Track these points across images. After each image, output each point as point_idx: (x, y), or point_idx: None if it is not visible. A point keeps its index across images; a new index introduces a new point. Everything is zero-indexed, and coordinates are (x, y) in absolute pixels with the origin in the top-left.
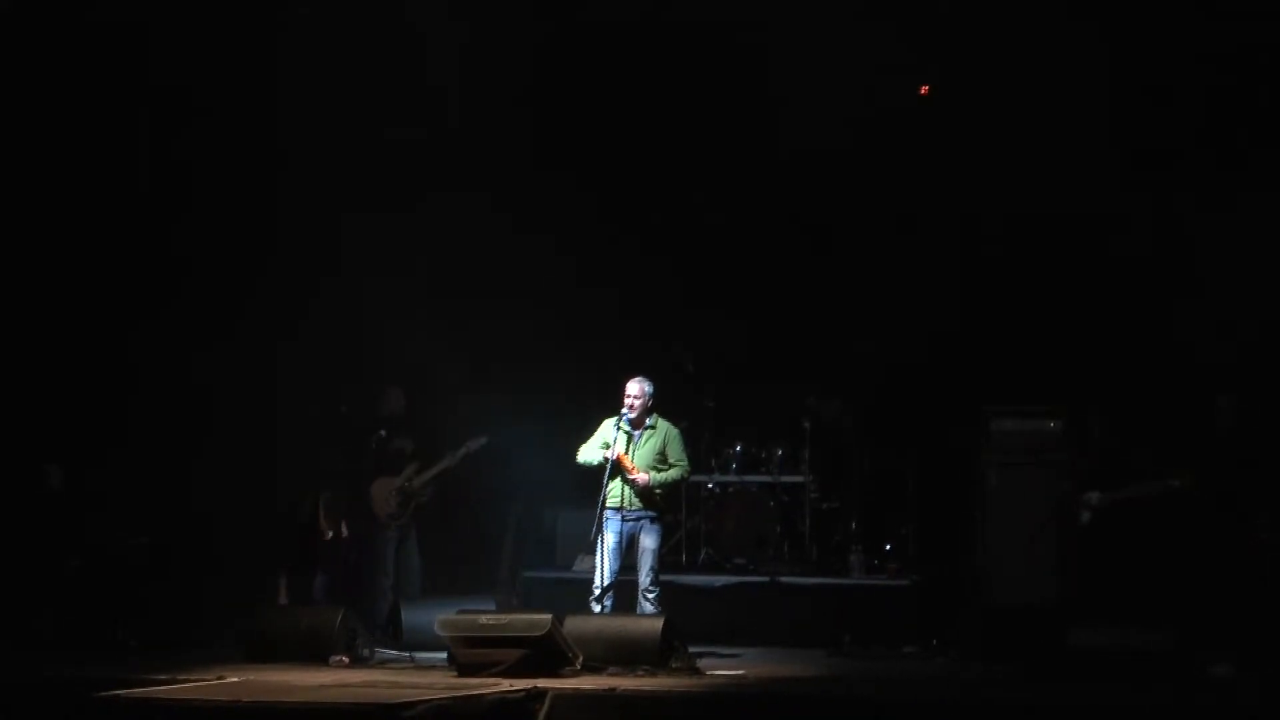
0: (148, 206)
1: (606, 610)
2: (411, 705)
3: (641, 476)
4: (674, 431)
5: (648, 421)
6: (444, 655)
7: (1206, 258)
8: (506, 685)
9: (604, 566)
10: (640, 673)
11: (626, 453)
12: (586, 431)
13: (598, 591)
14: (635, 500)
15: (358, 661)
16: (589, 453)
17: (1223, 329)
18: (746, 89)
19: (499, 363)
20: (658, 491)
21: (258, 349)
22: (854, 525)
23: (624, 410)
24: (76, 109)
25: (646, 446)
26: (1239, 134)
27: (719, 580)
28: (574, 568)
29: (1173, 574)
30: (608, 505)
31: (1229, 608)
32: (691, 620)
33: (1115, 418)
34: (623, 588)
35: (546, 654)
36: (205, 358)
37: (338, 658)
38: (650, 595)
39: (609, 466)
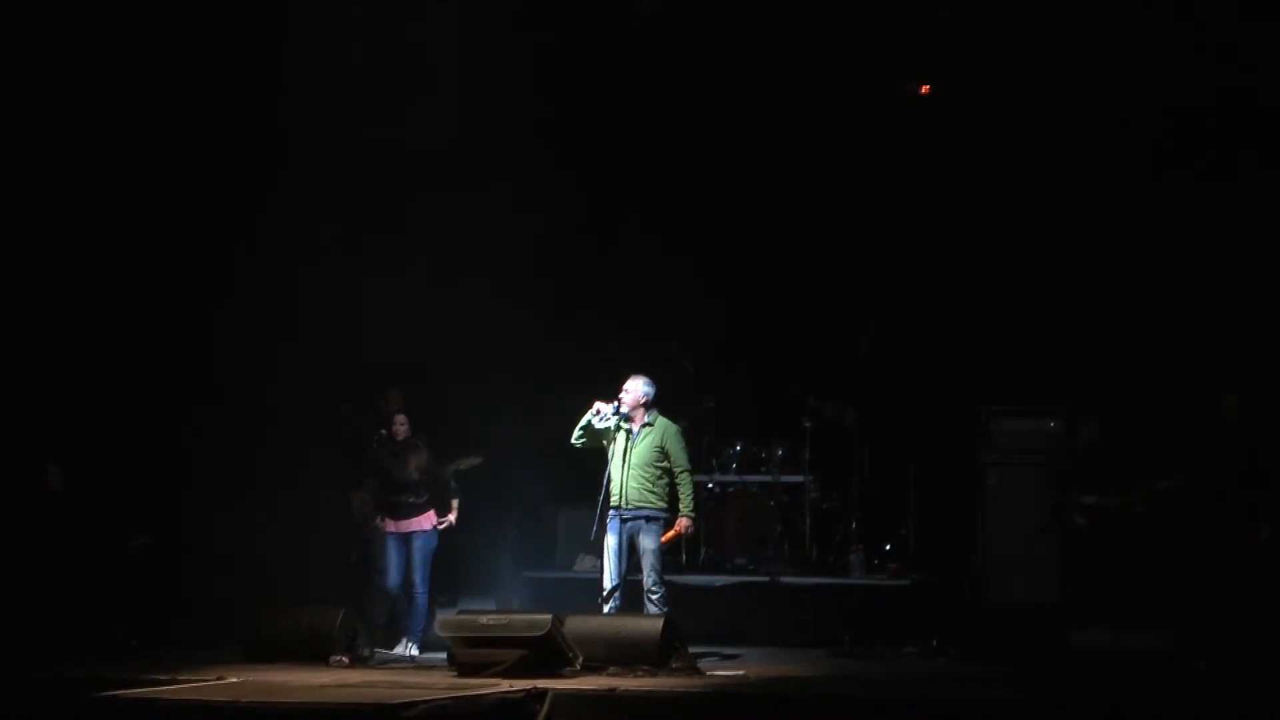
0: (149, 207)
1: (614, 612)
2: (411, 705)
3: (683, 522)
4: (672, 429)
5: (646, 418)
6: (444, 655)
7: (1202, 257)
8: (506, 685)
9: (609, 569)
10: (640, 673)
11: (625, 450)
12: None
13: (605, 593)
14: (633, 498)
15: (358, 661)
16: (575, 437)
17: (1220, 329)
18: (744, 84)
19: (499, 361)
20: (654, 493)
21: (258, 349)
22: (854, 525)
23: (618, 405)
24: (77, 113)
25: (644, 444)
26: (1239, 133)
27: (719, 580)
28: (574, 568)
29: (1172, 574)
30: (607, 503)
31: (1227, 608)
32: (692, 620)
33: (1111, 419)
34: (628, 589)
35: (546, 654)
36: (205, 358)
37: (338, 658)
38: (654, 596)
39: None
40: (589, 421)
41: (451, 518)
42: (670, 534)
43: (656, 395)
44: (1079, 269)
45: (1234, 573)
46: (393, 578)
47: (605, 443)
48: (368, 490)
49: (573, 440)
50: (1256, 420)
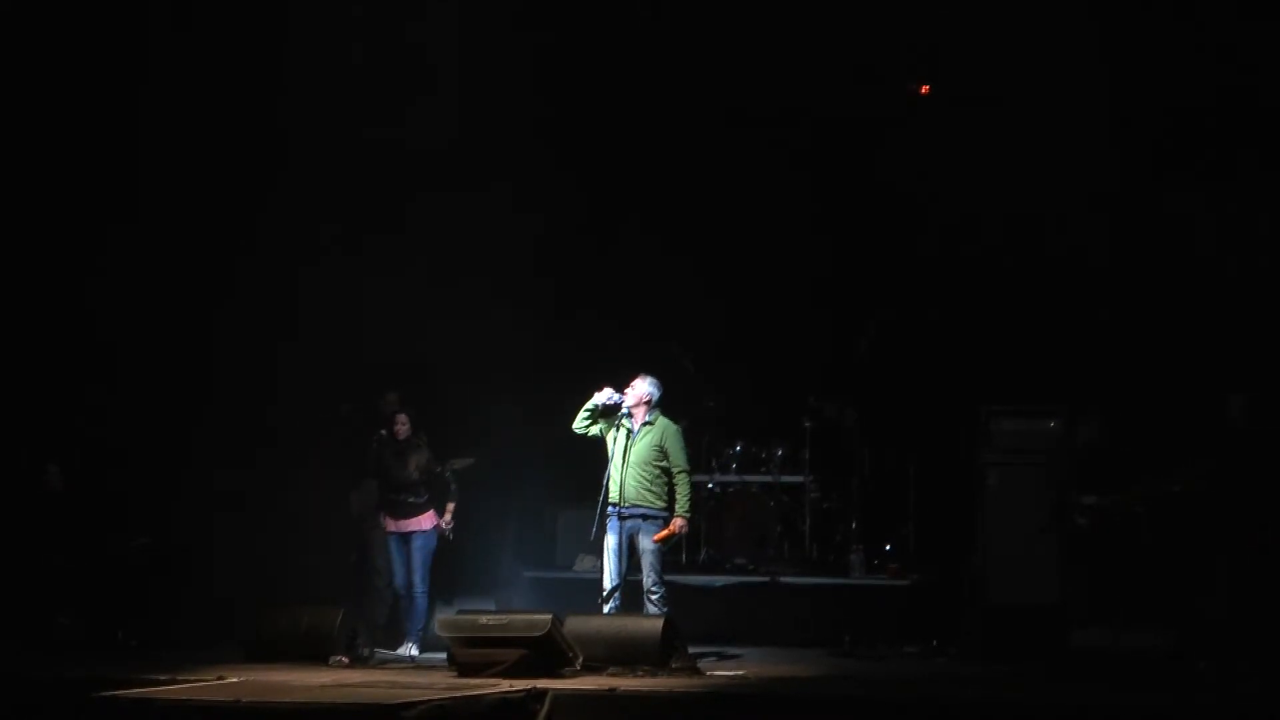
0: (148, 207)
1: (614, 611)
2: (411, 705)
3: (677, 522)
4: (672, 429)
5: (647, 418)
6: (444, 655)
7: (1202, 257)
8: (506, 685)
9: (609, 568)
10: (640, 673)
11: (624, 448)
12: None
13: (606, 593)
14: (630, 496)
15: (358, 661)
16: (579, 421)
17: (1222, 328)
18: (744, 84)
19: (499, 361)
20: (652, 491)
21: (258, 348)
22: (854, 525)
23: (621, 395)
24: (77, 113)
25: (643, 442)
26: (1239, 133)
27: (719, 580)
28: (574, 568)
29: (1172, 574)
30: (607, 502)
31: (1230, 608)
32: (692, 620)
33: (1111, 419)
34: (628, 589)
35: (546, 654)
36: (205, 358)
37: (338, 658)
38: (654, 596)
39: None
40: (595, 404)
41: (444, 520)
42: (664, 533)
43: (662, 398)
44: (1079, 269)
45: (1242, 573)
46: (398, 577)
47: (605, 431)
48: (366, 490)
49: (575, 425)
50: (1260, 420)
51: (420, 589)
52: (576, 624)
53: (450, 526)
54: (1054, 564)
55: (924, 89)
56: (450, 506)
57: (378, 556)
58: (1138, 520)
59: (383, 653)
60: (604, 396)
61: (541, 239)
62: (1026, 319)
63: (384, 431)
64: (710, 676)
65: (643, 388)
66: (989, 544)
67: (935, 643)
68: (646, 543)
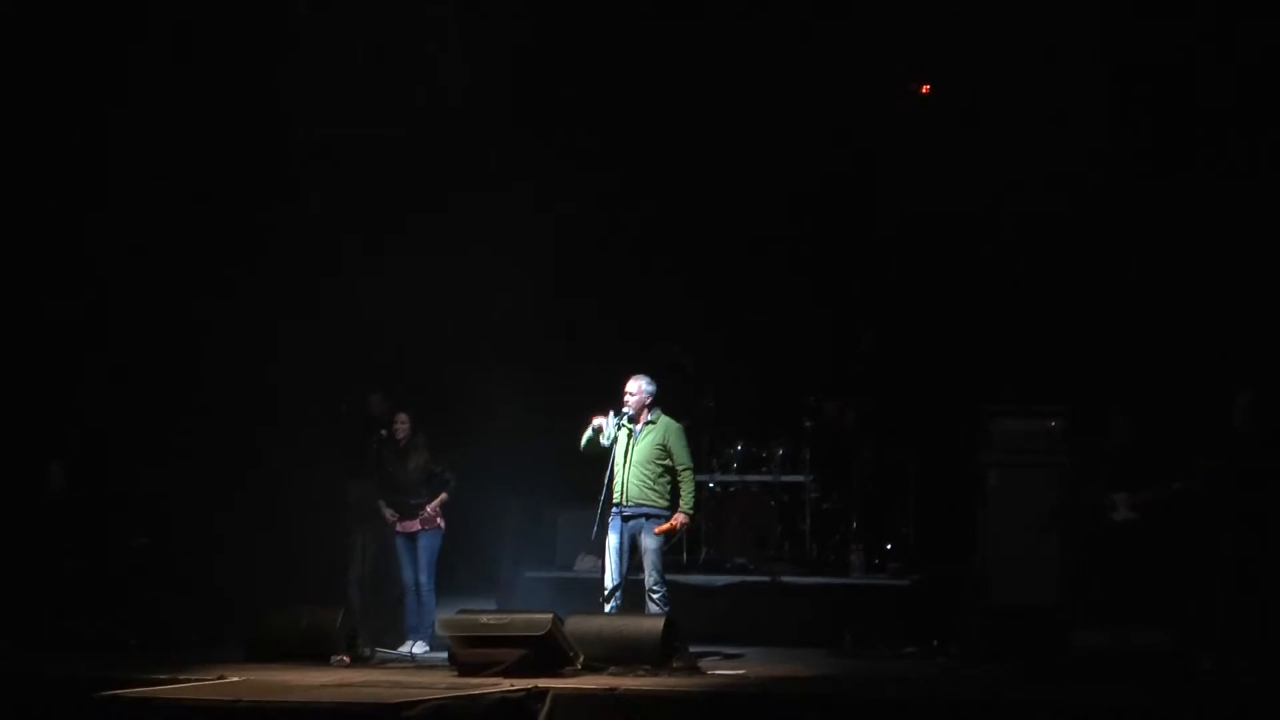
0: (149, 207)
1: (615, 611)
2: (412, 705)
3: (679, 519)
4: (675, 427)
5: (648, 417)
6: (444, 655)
7: (1216, 252)
8: (507, 685)
9: (611, 568)
10: (641, 672)
11: (626, 448)
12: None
13: (607, 592)
14: (634, 495)
15: (358, 661)
16: (583, 445)
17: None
18: (745, 84)
19: (500, 362)
20: (655, 490)
21: (258, 349)
22: (854, 525)
23: (624, 407)
24: (78, 113)
25: (645, 441)
26: (1244, 126)
27: (719, 580)
28: (574, 567)
29: (1173, 574)
30: (609, 502)
31: (1230, 608)
32: (692, 620)
33: (1132, 416)
34: (631, 589)
35: (547, 654)
36: (207, 358)
37: (338, 658)
38: (655, 595)
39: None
40: (592, 435)
41: (431, 506)
42: (665, 527)
43: (657, 392)
44: (1079, 269)
45: (1242, 573)
46: (405, 576)
47: (611, 443)
48: (354, 490)
49: (581, 448)
50: (1262, 418)
51: (428, 587)
52: (577, 624)
53: (436, 514)
54: (1054, 564)
55: (924, 89)
56: (442, 496)
57: (353, 557)
58: (1140, 519)
59: (383, 652)
60: (603, 433)
61: (541, 239)
62: (1026, 319)
63: (384, 432)
64: (710, 676)
65: (641, 389)
66: (989, 544)
67: (935, 643)
68: (649, 541)
